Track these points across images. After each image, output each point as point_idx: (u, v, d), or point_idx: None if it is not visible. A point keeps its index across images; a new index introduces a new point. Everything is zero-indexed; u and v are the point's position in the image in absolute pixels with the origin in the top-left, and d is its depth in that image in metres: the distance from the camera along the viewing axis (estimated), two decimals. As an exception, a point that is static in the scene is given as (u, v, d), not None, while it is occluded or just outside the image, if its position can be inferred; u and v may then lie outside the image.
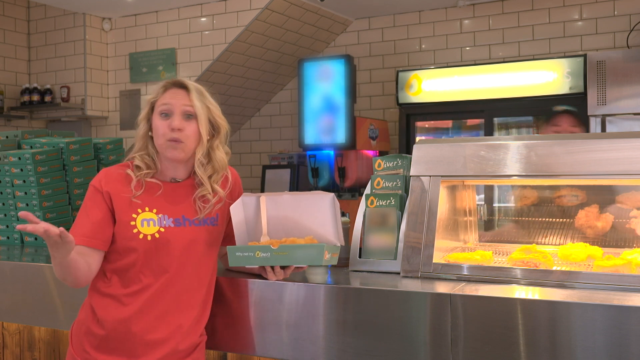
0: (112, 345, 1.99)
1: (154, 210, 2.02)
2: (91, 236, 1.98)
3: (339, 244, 2.06)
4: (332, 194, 2.08)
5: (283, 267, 2.02)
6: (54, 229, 1.73)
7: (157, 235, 1.99)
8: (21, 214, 1.70)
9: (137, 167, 2.06)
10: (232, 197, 2.14)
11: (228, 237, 2.15)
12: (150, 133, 2.07)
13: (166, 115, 2.02)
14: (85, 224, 2.00)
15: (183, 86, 2.05)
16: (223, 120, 2.10)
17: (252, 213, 2.11)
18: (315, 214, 2.07)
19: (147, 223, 2.00)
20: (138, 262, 1.99)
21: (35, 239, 3.16)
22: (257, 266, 2.02)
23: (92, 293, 2.05)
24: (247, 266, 2.02)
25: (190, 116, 2.02)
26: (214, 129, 2.09)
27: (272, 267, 2.02)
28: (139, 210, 2.01)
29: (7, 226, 3.24)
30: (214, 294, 2.15)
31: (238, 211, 2.08)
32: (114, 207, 2.01)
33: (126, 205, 2.01)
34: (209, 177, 2.07)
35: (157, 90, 2.08)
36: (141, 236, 1.98)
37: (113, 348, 1.99)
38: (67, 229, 3.25)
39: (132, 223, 1.99)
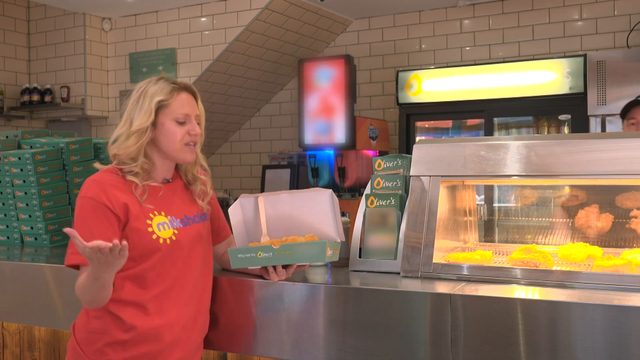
0: (139, 349, 1.95)
1: (163, 213, 2.00)
2: None
3: (339, 240, 2.05)
4: (329, 190, 2.08)
5: (285, 267, 2.02)
6: (115, 243, 1.69)
7: (173, 238, 1.98)
8: (67, 230, 1.66)
9: (136, 173, 1.99)
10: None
11: (215, 232, 2.19)
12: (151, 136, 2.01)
13: (183, 122, 2.02)
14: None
15: (192, 92, 2.07)
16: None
17: (250, 214, 2.10)
18: (314, 211, 2.06)
19: (163, 227, 1.98)
20: (157, 266, 1.96)
21: (36, 239, 3.16)
22: (259, 267, 2.01)
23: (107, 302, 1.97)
24: (249, 267, 2.01)
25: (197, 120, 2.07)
26: None
27: (274, 268, 2.01)
28: (151, 215, 1.97)
29: (7, 226, 3.23)
30: (215, 294, 2.16)
31: (236, 213, 2.08)
32: (129, 218, 1.94)
33: (139, 213, 1.96)
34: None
35: (165, 92, 1.99)
36: (161, 241, 1.96)
37: (140, 354, 1.96)
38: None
39: (150, 229, 1.95)
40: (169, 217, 2.01)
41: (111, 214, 1.91)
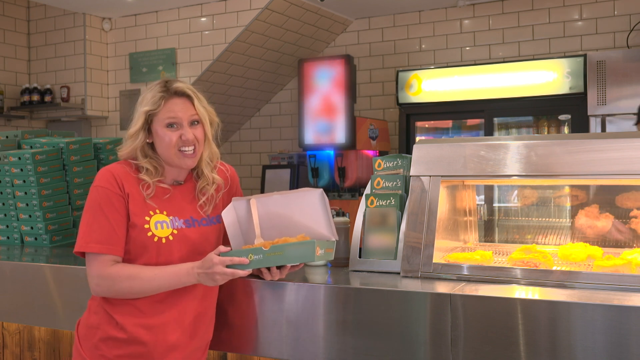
0: (131, 348, 1.97)
1: (165, 212, 2.00)
2: (121, 245, 1.95)
3: (333, 239, 2.04)
4: (320, 190, 2.07)
5: (279, 268, 2.01)
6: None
7: (170, 238, 1.98)
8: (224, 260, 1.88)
9: (147, 170, 2.01)
10: (231, 191, 2.16)
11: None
12: (148, 140, 2.03)
13: (173, 125, 1.99)
14: (111, 233, 1.94)
15: (184, 94, 2.01)
16: (216, 117, 2.11)
17: (244, 217, 2.09)
18: (306, 211, 2.06)
19: (161, 225, 1.98)
20: (150, 264, 1.97)
21: (36, 239, 3.16)
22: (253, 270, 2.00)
23: (102, 299, 2.00)
24: (242, 270, 1.99)
25: (195, 122, 2.02)
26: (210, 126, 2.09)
27: (268, 268, 2.00)
28: (151, 213, 1.98)
29: (7, 226, 3.23)
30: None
31: (230, 216, 2.07)
32: (129, 210, 1.97)
33: (140, 209, 1.97)
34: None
35: (154, 101, 2.00)
36: (156, 239, 1.97)
37: (133, 353, 1.97)
38: (67, 230, 3.24)
39: (146, 226, 1.97)
40: (170, 217, 2.01)
41: (123, 203, 1.96)
